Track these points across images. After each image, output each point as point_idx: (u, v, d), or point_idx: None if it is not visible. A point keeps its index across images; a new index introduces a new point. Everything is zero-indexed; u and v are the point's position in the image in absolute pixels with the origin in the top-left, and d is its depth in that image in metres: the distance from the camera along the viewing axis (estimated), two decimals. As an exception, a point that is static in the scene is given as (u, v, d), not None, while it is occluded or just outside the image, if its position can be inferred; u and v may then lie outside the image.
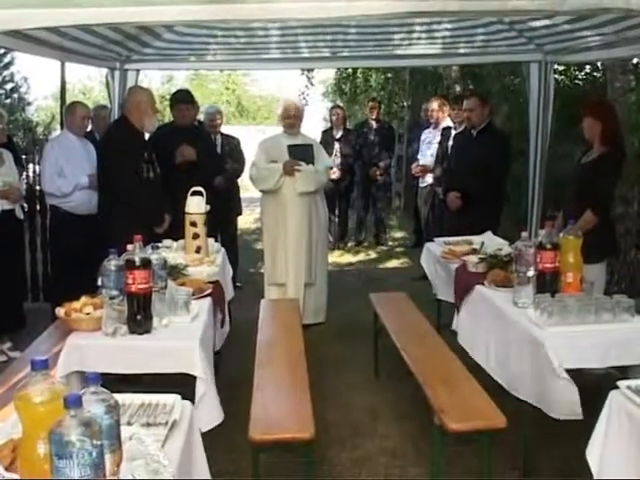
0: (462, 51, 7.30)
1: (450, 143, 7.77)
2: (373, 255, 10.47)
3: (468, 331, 4.51)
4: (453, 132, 7.99)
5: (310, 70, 13.44)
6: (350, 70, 16.42)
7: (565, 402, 3.42)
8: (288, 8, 2.66)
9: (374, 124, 10.66)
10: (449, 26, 6.54)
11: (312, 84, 17.08)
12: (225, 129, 8.39)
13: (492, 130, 6.58)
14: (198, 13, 2.58)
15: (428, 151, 8.92)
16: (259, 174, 6.56)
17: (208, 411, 3.40)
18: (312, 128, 11.26)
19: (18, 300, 6.24)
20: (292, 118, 6.58)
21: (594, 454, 2.79)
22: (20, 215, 6.09)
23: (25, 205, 6.44)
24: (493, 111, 7.62)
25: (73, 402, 1.63)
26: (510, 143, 6.65)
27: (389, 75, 15.50)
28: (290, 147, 6.53)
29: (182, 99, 6.65)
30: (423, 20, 6.33)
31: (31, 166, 8.06)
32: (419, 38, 6.91)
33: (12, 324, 5.95)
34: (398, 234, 12.10)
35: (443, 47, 7.16)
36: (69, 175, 6.10)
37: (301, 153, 6.53)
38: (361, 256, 10.38)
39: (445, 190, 6.94)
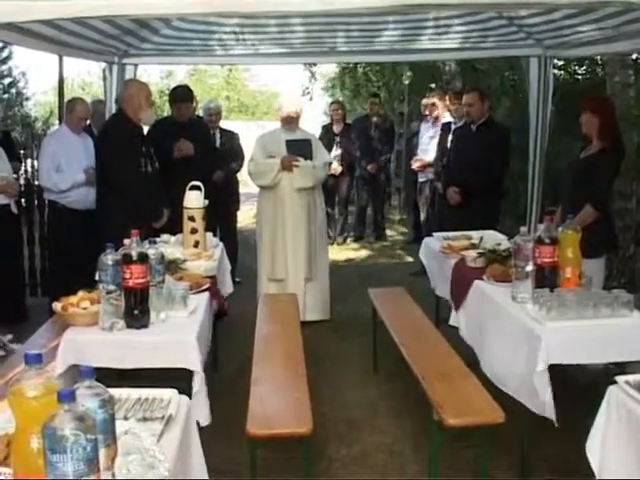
0: (461, 46, 7.29)
1: (450, 138, 7.76)
2: (372, 250, 10.46)
3: (471, 326, 4.49)
4: (453, 127, 7.97)
5: (313, 65, 13.40)
6: (351, 65, 16.41)
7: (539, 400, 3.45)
8: (288, 2, 2.64)
9: (374, 119, 10.64)
10: (448, 22, 6.53)
11: (315, 79, 17.00)
12: (224, 124, 8.38)
13: (492, 124, 6.58)
14: (194, 6, 2.56)
15: (427, 146, 8.91)
16: (257, 169, 6.55)
17: (199, 408, 3.39)
18: (313, 122, 11.27)
19: (18, 293, 6.23)
20: (290, 114, 6.56)
21: (594, 449, 2.79)
22: (14, 210, 6.09)
23: (21, 200, 6.43)
24: (492, 106, 7.61)
25: (66, 396, 1.62)
26: (510, 137, 6.64)
27: (387, 70, 15.47)
28: (288, 142, 6.52)
29: (180, 98, 6.64)
30: (423, 16, 6.32)
31: (29, 161, 8.06)
32: (418, 34, 6.90)
33: (13, 317, 5.94)
34: (398, 229, 12.09)
35: (442, 42, 7.15)
36: (67, 170, 6.10)
37: (299, 148, 6.52)
38: (360, 251, 10.37)
39: (445, 185, 6.92)
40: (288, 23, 6.40)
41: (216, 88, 31.21)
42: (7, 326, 5.94)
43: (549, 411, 3.42)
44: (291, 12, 3.74)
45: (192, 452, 2.51)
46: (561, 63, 10.49)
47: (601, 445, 2.75)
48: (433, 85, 12.81)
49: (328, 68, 20.19)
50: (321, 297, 6.77)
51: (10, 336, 5.88)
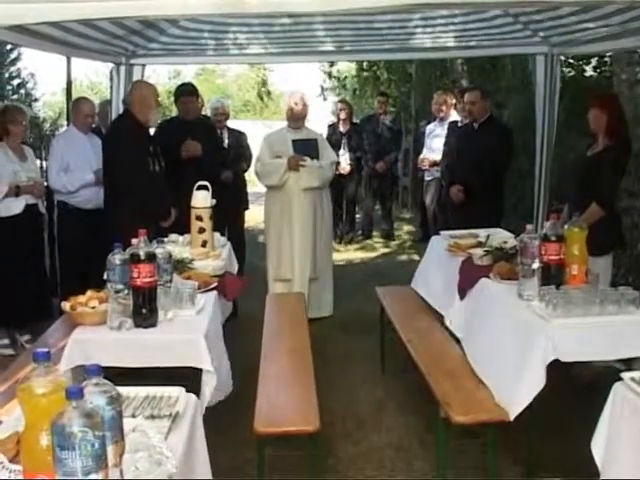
0: (467, 44, 7.29)
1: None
2: (380, 249, 10.48)
3: (465, 320, 4.51)
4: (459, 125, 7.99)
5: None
6: (356, 64, 16.44)
7: (522, 394, 3.45)
8: (291, 2, 2.65)
9: (382, 118, 10.64)
10: (455, 20, 6.53)
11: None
12: (233, 124, 8.39)
13: (493, 122, 6.63)
14: (201, 7, 2.58)
15: (433, 145, 8.92)
16: (264, 169, 6.58)
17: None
18: (322, 122, 11.28)
19: (45, 292, 6.28)
20: (296, 112, 6.58)
21: (599, 447, 2.79)
22: (43, 209, 6.17)
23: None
24: (501, 104, 7.62)
25: (75, 393, 1.64)
26: (512, 135, 6.68)
27: (394, 69, 15.49)
28: (295, 142, 6.54)
29: (184, 92, 6.66)
30: (428, 14, 6.32)
31: (38, 162, 8.09)
32: (424, 32, 6.91)
33: (40, 316, 5.96)
34: (405, 228, 12.10)
35: (449, 40, 7.15)
36: (75, 170, 6.15)
37: (305, 148, 6.54)
38: (368, 250, 10.39)
39: (448, 184, 6.95)
40: (294, 22, 6.41)
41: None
42: (30, 325, 5.98)
43: (517, 409, 3.44)
44: (293, 12, 3.75)
45: (197, 450, 2.53)
46: (570, 61, 10.47)
47: (606, 442, 2.76)
48: (441, 84, 12.82)
49: (335, 68, 20.26)
50: (325, 295, 6.81)
51: (28, 336, 5.94)
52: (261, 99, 30.50)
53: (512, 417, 3.40)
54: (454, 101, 8.97)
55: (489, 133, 6.44)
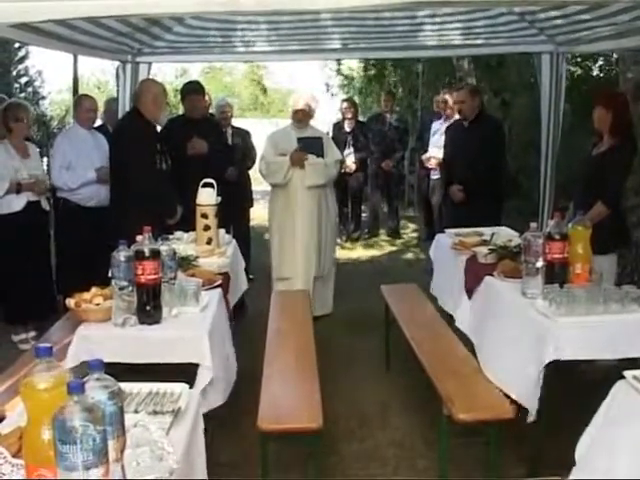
0: (473, 42, 7.29)
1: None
2: (386, 247, 10.48)
3: (473, 319, 4.52)
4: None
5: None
6: (362, 62, 16.44)
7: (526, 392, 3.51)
8: (287, 0, 2.64)
9: (388, 117, 10.64)
10: (459, 17, 6.52)
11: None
12: (238, 122, 8.41)
13: (483, 119, 6.69)
14: (203, 5, 2.59)
15: (438, 143, 8.91)
16: (268, 168, 6.57)
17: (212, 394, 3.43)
18: (328, 120, 11.29)
19: (51, 289, 6.30)
20: (302, 111, 6.58)
21: (585, 440, 2.80)
22: (46, 207, 6.19)
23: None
24: (507, 102, 7.63)
25: (76, 388, 1.65)
26: (503, 129, 6.75)
27: (402, 67, 15.48)
28: (300, 140, 6.54)
29: (192, 90, 6.66)
30: (433, 12, 6.32)
31: (45, 159, 8.11)
32: (429, 29, 6.90)
33: (46, 313, 5.99)
34: (411, 226, 12.09)
35: (454, 38, 7.14)
36: (78, 168, 6.16)
37: (311, 146, 6.53)
38: (374, 249, 10.39)
39: (446, 183, 6.98)
40: (301, 20, 6.41)
41: (240, 85, 31.16)
42: (38, 322, 6.00)
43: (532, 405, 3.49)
44: (289, 11, 3.76)
45: (196, 445, 2.53)
46: (578, 59, 10.47)
47: (593, 435, 2.76)
48: (447, 83, 12.82)
49: (344, 66, 20.28)
50: (325, 293, 6.83)
51: (33, 333, 5.97)
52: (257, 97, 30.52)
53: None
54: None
55: (480, 129, 6.53)
